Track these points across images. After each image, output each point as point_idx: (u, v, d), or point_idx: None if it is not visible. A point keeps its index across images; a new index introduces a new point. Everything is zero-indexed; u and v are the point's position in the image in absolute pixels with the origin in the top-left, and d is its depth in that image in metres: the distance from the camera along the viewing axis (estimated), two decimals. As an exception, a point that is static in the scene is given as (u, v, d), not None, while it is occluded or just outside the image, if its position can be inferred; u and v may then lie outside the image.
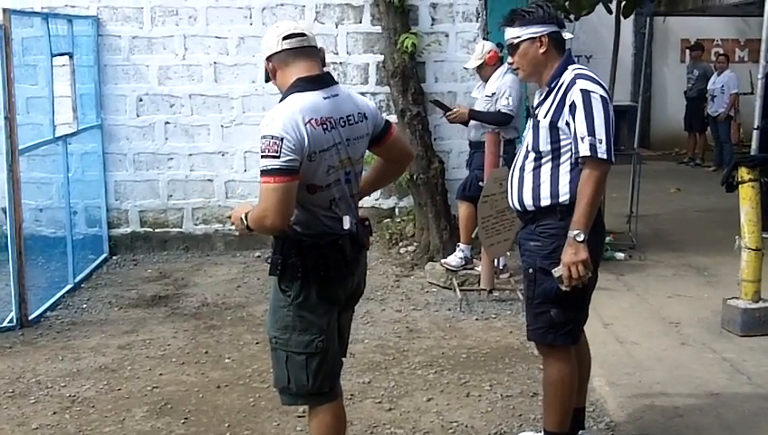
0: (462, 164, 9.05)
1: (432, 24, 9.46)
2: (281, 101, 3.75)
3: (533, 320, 4.47)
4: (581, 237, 4.10)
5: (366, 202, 9.38)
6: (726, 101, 14.98)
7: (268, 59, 3.83)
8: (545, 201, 4.30)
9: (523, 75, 4.49)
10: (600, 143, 4.10)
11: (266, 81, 3.99)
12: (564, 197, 4.26)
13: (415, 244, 9.22)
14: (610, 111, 4.19)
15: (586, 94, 4.16)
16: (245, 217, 3.76)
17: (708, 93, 15.39)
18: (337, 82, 3.90)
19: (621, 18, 11.05)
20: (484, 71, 8.05)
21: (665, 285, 8.06)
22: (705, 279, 8.29)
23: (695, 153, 16.25)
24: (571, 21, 9.79)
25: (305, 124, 3.61)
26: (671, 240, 9.96)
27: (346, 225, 3.84)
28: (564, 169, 4.26)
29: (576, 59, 4.49)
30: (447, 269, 8.14)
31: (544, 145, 4.29)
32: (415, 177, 9.00)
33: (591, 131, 4.11)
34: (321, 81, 3.80)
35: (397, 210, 9.77)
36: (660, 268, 8.69)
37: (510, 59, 4.48)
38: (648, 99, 17.18)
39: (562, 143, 4.25)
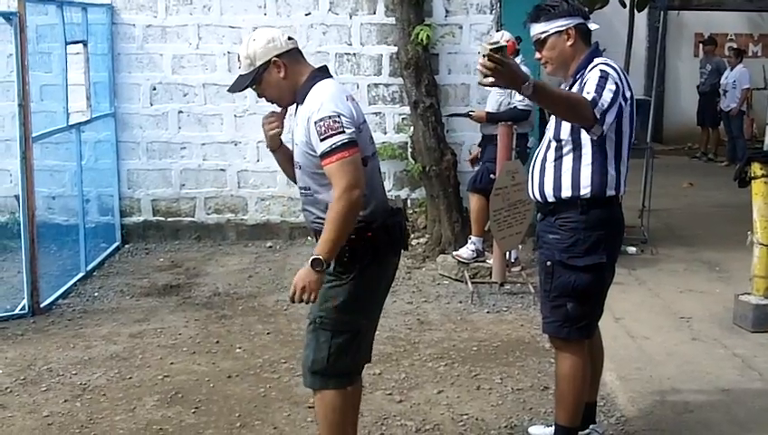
0: (474, 156, 9.05)
1: (446, 16, 9.43)
2: (305, 93, 3.87)
3: (549, 313, 4.47)
4: (530, 90, 3.84)
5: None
6: (738, 96, 14.92)
7: (278, 57, 3.90)
8: (566, 192, 4.29)
9: (550, 69, 4.43)
10: (603, 106, 4.04)
11: (252, 84, 3.99)
12: (585, 190, 4.25)
13: (426, 236, 9.22)
14: (620, 95, 4.14)
15: (603, 72, 4.16)
16: (319, 255, 3.70)
17: (721, 88, 15.34)
18: None
19: (635, 12, 11.04)
20: (500, 60, 8.00)
21: (676, 280, 8.06)
22: (716, 274, 8.28)
23: (707, 148, 16.23)
24: (584, 14, 9.77)
25: (347, 100, 3.84)
26: (683, 235, 9.95)
27: (399, 203, 4.01)
28: (586, 162, 4.25)
29: (603, 51, 4.46)
30: (459, 262, 8.14)
31: (565, 133, 4.29)
32: (427, 169, 8.99)
33: (599, 94, 4.07)
34: (329, 71, 4.03)
35: (409, 202, 9.73)
36: (672, 263, 8.69)
37: (537, 54, 4.45)
38: (661, 93, 17.08)
39: (583, 135, 4.23)
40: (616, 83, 4.14)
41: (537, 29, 4.37)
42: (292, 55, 3.95)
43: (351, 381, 4.09)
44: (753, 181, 6.66)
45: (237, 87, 4.03)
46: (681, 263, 8.68)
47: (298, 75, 3.92)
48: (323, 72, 3.96)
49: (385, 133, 9.54)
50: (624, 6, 11.14)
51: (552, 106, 4.14)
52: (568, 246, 4.32)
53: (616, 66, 4.26)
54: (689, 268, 8.50)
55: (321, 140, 3.67)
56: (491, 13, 9.46)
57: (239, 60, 3.99)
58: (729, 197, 10.54)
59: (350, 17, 9.52)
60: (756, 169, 6.63)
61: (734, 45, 16.95)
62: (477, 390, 5.62)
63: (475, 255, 8.16)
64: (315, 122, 3.69)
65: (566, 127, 4.29)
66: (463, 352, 6.30)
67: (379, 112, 9.56)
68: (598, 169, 4.24)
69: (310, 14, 9.46)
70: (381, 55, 9.56)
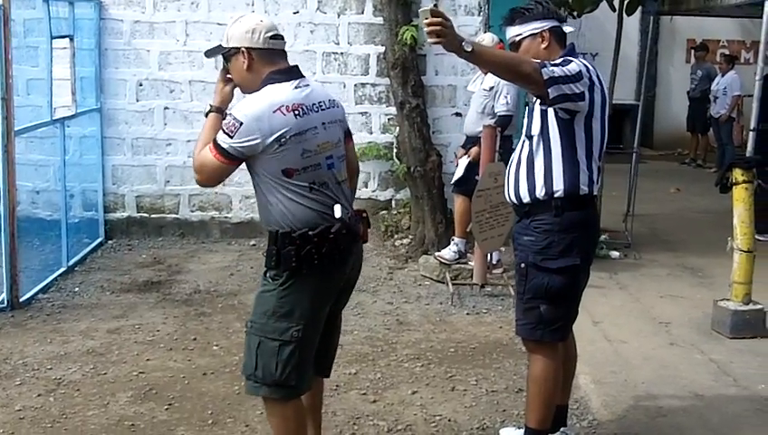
0: (459, 158, 9.05)
1: (434, 17, 9.41)
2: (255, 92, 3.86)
3: (523, 315, 4.47)
4: (469, 47, 3.86)
5: (363, 194, 9.41)
6: (728, 103, 14.93)
7: (248, 49, 3.90)
8: (540, 192, 4.30)
9: None
10: (552, 73, 4.01)
11: (212, 55, 4.19)
12: (558, 186, 4.26)
13: (410, 236, 9.22)
14: (584, 85, 4.12)
15: (566, 60, 4.17)
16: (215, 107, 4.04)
17: (711, 94, 15.35)
18: (305, 76, 4.01)
19: (625, 16, 11.02)
20: (487, 63, 8.01)
21: (658, 285, 8.06)
22: (698, 280, 8.28)
23: (696, 154, 16.26)
24: (574, 17, 9.77)
25: (274, 112, 3.73)
26: (667, 240, 9.95)
27: (337, 213, 3.86)
28: (556, 158, 4.26)
29: (582, 55, 4.45)
30: (441, 263, 8.14)
31: (536, 129, 4.31)
32: (412, 169, 9.00)
33: (553, 66, 4.05)
34: (292, 72, 3.94)
35: (393, 202, 9.76)
36: (655, 268, 8.68)
37: None
38: (652, 98, 17.15)
39: (551, 129, 4.25)
40: (580, 71, 4.12)
41: (512, 32, 4.41)
42: (266, 55, 3.90)
43: (286, 393, 3.90)
44: (734, 187, 6.67)
45: (211, 53, 4.17)
46: (664, 268, 8.68)
47: (260, 73, 3.89)
48: (281, 75, 3.87)
49: (371, 133, 9.55)
50: (614, 10, 11.13)
51: (491, 63, 4.11)
52: (542, 248, 4.33)
53: (588, 64, 4.25)
54: (672, 273, 8.50)
55: (221, 129, 3.78)
56: (479, 15, 9.46)
57: None
58: (716, 203, 10.50)
59: (338, 16, 9.52)
60: (738, 174, 6.63)
61: (727, 51, 16.97)
62: (452, 391, 5.61)
63: (457, 256, 8.17)
64: (227, 113, 3.83)
65: (536, 123, 4.31)
66: (440, 354, 6.29)
67: (366, 112, 9.56)
68: (569, 166, 4.25)
69: (298, 12, 9.45)
70: (369, 55, 9.56)
